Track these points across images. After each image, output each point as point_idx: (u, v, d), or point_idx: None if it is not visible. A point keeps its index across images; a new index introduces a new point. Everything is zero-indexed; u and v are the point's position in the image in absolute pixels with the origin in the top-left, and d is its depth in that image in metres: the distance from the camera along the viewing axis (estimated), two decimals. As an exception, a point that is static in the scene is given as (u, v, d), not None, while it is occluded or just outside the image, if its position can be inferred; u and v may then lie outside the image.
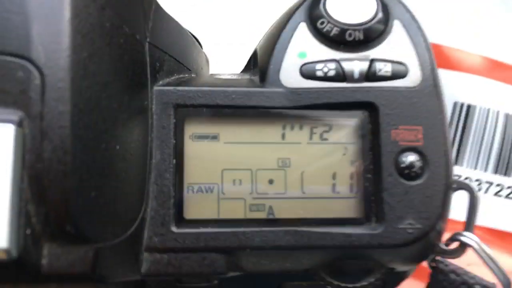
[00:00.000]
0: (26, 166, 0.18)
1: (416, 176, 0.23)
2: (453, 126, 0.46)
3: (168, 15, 0.26)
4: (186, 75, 0.26)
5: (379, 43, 0.24)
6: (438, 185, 0.23)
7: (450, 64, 0.46)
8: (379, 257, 0.23)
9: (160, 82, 0.24)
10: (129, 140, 0.21)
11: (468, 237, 0.24)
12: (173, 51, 0.25)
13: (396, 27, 0.24)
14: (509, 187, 0.45)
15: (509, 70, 0.46)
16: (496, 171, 0.45)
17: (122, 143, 0.21)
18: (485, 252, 0.24)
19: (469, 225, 0.25)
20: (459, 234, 0.24)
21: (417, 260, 0.25)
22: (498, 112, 0.45)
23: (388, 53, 0.24)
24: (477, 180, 0.45)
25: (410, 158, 0.23)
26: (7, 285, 0.20)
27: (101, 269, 0.20)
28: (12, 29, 0.18)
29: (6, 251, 0.17)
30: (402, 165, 0.23)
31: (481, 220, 0.45)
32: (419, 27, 0.25)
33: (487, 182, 0.45)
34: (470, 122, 0.45)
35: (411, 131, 0.23)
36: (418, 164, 0.23)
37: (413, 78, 0.24)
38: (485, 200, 0.45)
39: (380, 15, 0.24)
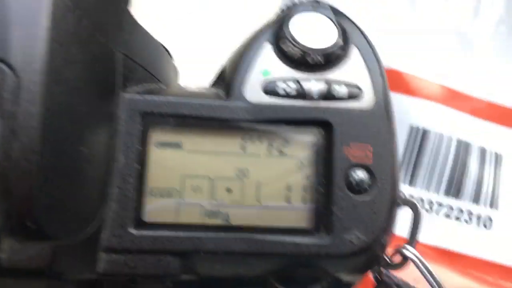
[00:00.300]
0: None
1: (364, 191, 0.24)
2: (409, 149, 0.48)
3: (141, 28, 0.27)
4: (155, 85, 0.27)
5: (337, 66, 0.26)
6: (384, 201, 0.25)
7: (409, 90, 0.49)
8: (326, 266, 0.25)
9: (130, 91, 0.25)
10: (96, 144, 0.22)
11: (410, 251, 0.26)
12: (144, 61, 0.26)
13: (354, 52, 0.26)
14: (458, 209, 0.47)
15: (463, 99, 0.49)
16: (447, 193, 0.47)
17: (89, 146, 0.22)
18: (424, 266, 0.26)
19: (412, 239, 0.26)
20: (402, 247, 0.26)
21: (362, 270, 0.26)
22: (451, 137, 0.48)
23: (345, 76, 0.25)
24: (429, 201, 0.47)
25: (360, 174, 0.25)
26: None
27: (57, 266, 0.21)
28: None
29: (-32, 242, 0.18)
30: (351, 180, 0.24)
31: (431, 240, 0.47)
32: (375, 54, 0.27)
33: (437, 203, 0.47)
34: (424, 145, 0.47)
35: (361, 149, 0.25)
36: (366, 180, 0.24)
37: (367, 100, 0.25)
38: (436, 221, 0.47)
39: (339, 41, 0.26)
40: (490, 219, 0.47)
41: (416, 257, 0.26)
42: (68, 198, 0.20)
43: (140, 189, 0.24)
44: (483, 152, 0.48)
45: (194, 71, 0.36)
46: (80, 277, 0.22)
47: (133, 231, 0.23)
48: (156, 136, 0.24)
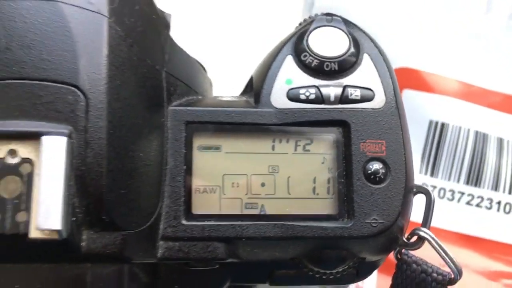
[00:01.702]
0: (73, 168, 0.23)
1: (380, 181, 0.28)
2: (429, 142, 0.51)
3: (180, 47, 0.31)
4: (195, 97, 0.31)
5: (351, 72, 0.29)
6: (398, 188, 0.28)
7: (427, 87, 0.52)
8: (350, 247, 0.28)
9: (174, 103, 0.29)
10: (150, 149, 0.26)
11: (424, 232, 0.29)
12: (184, 77, 0.31)
13: (365, 59, 0.30)
14: (479, 197, 0.50)
15: (479, 92, 0.52)
16: (467, 182, 0.50)
17: (144, 151, 0.26)
18: (439, 245, 0.29)
19: (426, 222, 0.29)
20: (417, 229, 0.29)
21: (383, 251, 0.30)
22: (468, 130, 0.50)
23: (358, 81, 0.29)
24: (450, 190, 0.50)
25: (375, 166, 0.28)
26: (51, 265, 0.25)
27: (126, 251, 0.25)
28: (64, 63, 0.23)
29: (59, 232, 0.22)
30: (369, 172, 0.28)
31: (455, 226, 0.50)
32: (384, 59, 0.30)
33: (459, 192, 0.50)
34: (443, 138, 0.50)
35: (376, 144, 0.28)
36: (382, 171, 0.28)
37: (378, 101, 0.29)
38: (459, 209, 0.50)
39: (352, 50, 0.29)
40: (510, 205, 0.50)
41: (430, 236, 0.29)
42: (131, 195, 0.25)
43: (188, 186, 0.28)
44: (500, 142, 0.51)
45: (225, 82, 0.40)
46: (144, 261, 0.27)
47: (184, 222, 0.27)
48: (199, 141, 0.28)
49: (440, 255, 0.29)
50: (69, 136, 0.23)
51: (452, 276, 0.29)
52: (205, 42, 0.45)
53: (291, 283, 0.32)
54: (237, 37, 0.51)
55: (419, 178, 0.51)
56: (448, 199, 0.50)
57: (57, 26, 0.24)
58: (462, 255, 0.49)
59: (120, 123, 0.24)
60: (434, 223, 0.50)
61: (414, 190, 0.30)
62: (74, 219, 0.23)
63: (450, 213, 0.50)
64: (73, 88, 0.23)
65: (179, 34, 0.34)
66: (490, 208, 0.50)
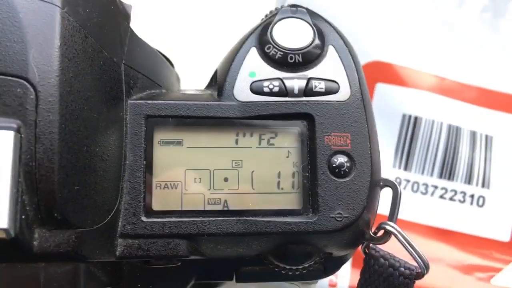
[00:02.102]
0: (22, 163, 0.22)
1: (345, 174, 0.28)
2: (403, 136, 0.51)
3: (142, 40, 0.31)
4: (157, 91, 0.31)
5: (316, 64, 0.29)
6: (363, 182, 0.28)
7: (400, 80, 0.51)
8: (316, 242, 0.28)
9: (134, 97, 0.28)
10: (107, 144, 0.26)
11: (391, 226, 0.29)
12: (145, 70, 0.30)
13: (330, 51, 0.29)
14: (452, 190, 0.50)
15: (452, 86, 0.52)
16: (441, 176, 0.50)
17: (101, 146, 0.25)
18: (405, 239, 0.29)
19: (392, 215, 0.29)
20: (384, 223, 0.29)
21: (350, 245, 0.29)
22: (441, 123, 0.50)
23: (323, 73, 0.29)
24: (424, 184, 0.50)
25: (340, 159, 0.28)
26: (3, 265, 0.24)
27: (81, 250, 0.24)
28: (12, 55, 0.22)
29: (6, 230, 0.21)
30: (333, 165, 0.28)
31: (429, 220, 0.50)
32: (350, 51, 0.30)
33: (432, 186, 0.50)
34: (417, 132, 0.50)
35: (341, 137, 0.28)
36: (347, 164, 0.28)
37: (343, 93, 0.28)
38: (432, 202, 0.50)
39: (316, 41, 0.29)
40: (483, 198, 0.50)
41: (396, 230, 0.29)
42: (87, 191, 0.24)
43: (148, 182, 0.27)
44: (473, 135, 0.51)
45: (194, 76, 0.39)
46: (102, 260, 0.26)
47: (144, 218, 0.26)
48: (159, 135, 0.28)
49: (406, 249, 0.29)
50: (17, 131, 0.22)
51: (419, 270, 0.29)
52: (173, 36, 0.44)
53: (258, 280, 0.31)
54: (208, 30, 0.50)
55: (393, 172, 0.50)
56: (422, 192, 0.50)
57: (6, 17, 0.23)
58: (436, 249, 0.49)
59: (73, 117, 0.23)
60: (408, 216, 0.50)
61: (381, 183, 0.29)
62: (24, 217, 0.22)
63: (424, 206, 0.50)
64: (22, 80, 0.22)
65: (146, 27, 0.33)
66: (463, 201, 0.50)
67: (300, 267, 0.29)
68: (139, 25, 0.31)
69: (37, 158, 0.22)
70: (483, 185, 0.50)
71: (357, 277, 0.46)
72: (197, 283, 0.31)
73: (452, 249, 0.49)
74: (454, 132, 0.50)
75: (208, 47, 0.48)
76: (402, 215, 0.50)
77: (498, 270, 0.48)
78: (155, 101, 0.28)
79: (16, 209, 0.22)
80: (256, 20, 0.32)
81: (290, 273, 0.29)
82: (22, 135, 0.22)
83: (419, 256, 0.29)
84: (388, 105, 0.50)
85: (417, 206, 0.50)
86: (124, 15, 0.29)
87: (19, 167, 0.22)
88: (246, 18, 0.37)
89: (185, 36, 0.49)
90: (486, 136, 0.51)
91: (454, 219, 0.50)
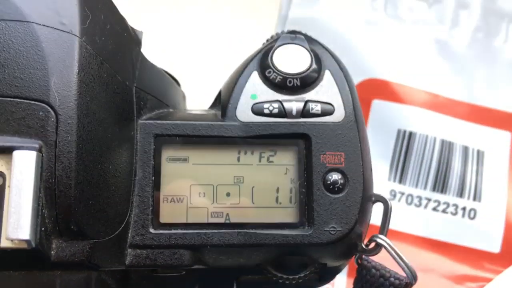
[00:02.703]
0: (43, 180, 0.24)
1: (339, 191, 0.30)
2: (398, 150, 0.53)
3: (151, 63, 0.33)
4: (165, 110, 0.33)
5: (313, 88, 0.31)
6: (356, 198, 0.30)
7: (395, 97, 0.54)
8: (311, 253, 0.30)
9: (144, 117, 0.30)
10: (119, 161, 0.28)
11: (381, 239, 0.31)
12: (155, 91, 0.32)
13: (327, 75, 0.31)
14: (445, 203, 0.52)
15: (446, 103, 0.54)
16: (434, 189, 0.52)
17: (114, 163, 0.27)
18: (394, 251, 0.31)
19: (383, 229, 0.31)
20: (375, 236, 0.31)
21: (343, 257, 0.31)
22: (435, 138, 0.52)
23: (319, 96, 0.31)
24: (418, 196, 0.52)
25: (334, 176, 0.30)
26: (22, 272, 0.26)
27: (94, 259, 0.26)
28: (35, 81, 0.25)
29: (27, 241, 0.23)
30: (328, 182, 0.30)
31: (422, 231, 0.52)
32: (345, 75, 0.32)
33: (426, 198, 0.52)
34: (411, 146, 0.52)
35: (335, 156, 0.30)
36: (340, 181, 0.30)
37: (338, 115, 0.31)
38: (425, 215, 0.52)
39: (313, 66, 0.31)
40: (474, 211, 0.52)
41: (387, 243, 0.31)
42: (100, 206, 0.26)
43: (156, 196, 0.29)
44: (465, 150, 0.53)
45: (199, 94, 0.41)
46: (112, 268, 0.28)
47: (152, 230, 0.28)
48: (167, 153, 0.30)
49: (395, 260, 0.31)
50: (39, 151, 0.24)
51: (408, 280, 0.31)
52: (180, 57, 0.46)
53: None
54: (212, 51, 0.53)
55: (388, 185, 0.52)
56: (416, 205, 0.52)
57: (30, 46, 0.25)
58: (428, 259, 0.51)
59: (89, 137, 0.26)
60: (402, 228, 0.52)
61: (373, 199, 0.31)
62: (43, 229, 0.24)
63: (418, 218, 0.52)
64: (43, 104, 0.25)
65: (153, 49, 0.35)
66: (455, 214, 0.52)
67: (297, 276, 0.31)
68: (148, 47, 0.34)
69: (56, 176, 0.24)
70: (474, 198, 0.52)
71: (351, 286, 0.48)
72: (199, 291, 0.33)
73: (445, 259, 0.51)
74: (447, 147, 0.53)
75: (212, 67, 0.51)
76: (396, 226, 0.52)
77: (488, 280, 0.50)
78: (164, 121, 0.30)
79: (37, 222, 0.24)
80: (258, 43, 0.34)
81: (287, 282, 0.31)
82: (43, 155, 0.24)
83: (407, 267, 0.31)
84: (384, 121, 0.53)
85: (411, 218, 0.52)
86: (136, 41, 0.31)
87: (40, 183, 0.24)
88: (249, 40, 0.40)
89: (191, 57, 0.52)
90: (478, 151, 0.53)
91: (447, 231, 0.52)
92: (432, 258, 0.51)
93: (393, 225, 0.52)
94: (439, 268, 0.51)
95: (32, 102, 0.24)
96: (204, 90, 0.40)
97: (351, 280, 0.49)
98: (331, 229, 0.29)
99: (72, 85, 0.25)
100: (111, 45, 0.28)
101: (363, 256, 0.32)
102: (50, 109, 0.25)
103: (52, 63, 0.25)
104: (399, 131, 0.53)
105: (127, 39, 0.30)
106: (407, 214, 0.52)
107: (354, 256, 0.32)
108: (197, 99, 0.41)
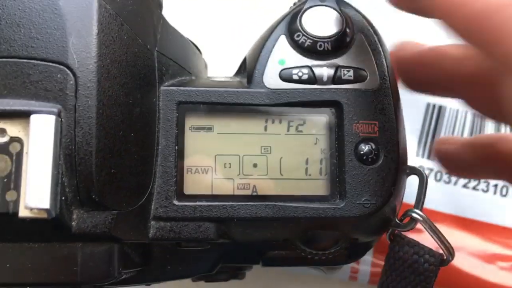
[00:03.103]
0: (62, 147, 0.23)
1: (372, 162, 0.28)
2: (427, 124, 0.51)
3: (173, 28, 0.31)
4: (187, 77, 0.31)
5: (345, 52, 0.29)
6: (390, 169, 0.28)
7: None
8: (343, 228, 0.28)
9: (166, 83, 0.29)
10: (141, 129, 0.26)
11: (417, 213, 0.29)
12: (177, 57, 0.30)
13: (359, 39, 0.29)
14: (475, 180, 0.50)
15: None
16: (464, 165, 0.50)
17: (136, 131, 0.26)
18: (430, 226, 0.29)
19: (418, 203, 0.29)
20: (410, 210, 0.29)
21: (376, 232, 0.30)
22: (466, 113, 0.50)
23: (351, 61, 0.29)
24: (447, 173, 0.50)
25: (368, 147, 0.28)
26: (42, 244, 0.25)
27: (117, 231, 0.25)
28: (53, 41, 0.23)
29: (47, 211, 0.22)
30: (361, 152, 0.28)
31: (452, 209, 0.50)
32: (379, 39, 0.30)
33: (456, 175, 0.50)
34: (441, 121, 0.50)
35: (369, 125, 0.28)
36: (374, 151, 0.28)
37: (372, 81, 0.29)
38: (455, 191, 0.50)
39: (345, 29, 0.29)
40: (506, 188, 0.49)
41: (423, 218, 0.29)
42: (122, 175, 0.25)
43: (180, 166, 0.28)
44: (498, 124, 0.50)
45: (221, 63, 0.40)
46: (135, 241, 0.27)
47: (176, 202, 0.27)
48: (190, 121, 0.28)
49: (432, 236, 0.29)
50: (58, 115, 0.23)
51: (444, 257, 0.29)
52: (201, 23, 0.44)
53: (284, 264, 0.32)
54: (234, 17, 0.51)
55: (416, 161, 0.50)
56: (445, 181, 0.50)
57: (46, 4, 0.24)
58: (458, 237, 0.49)
59: (110, 102, 0.24)
60: (431, 205, 0.50)
61: (407, 171, 0.30)
62: (64, 198, 0.23)
63: (447, 195, 0.50)
64: (62, 66, 0.23)
65: (174, 15, 0.33)
66: (486, 191, 0.50)
67: (326, 252, 0.29)
68: (169, 13, 0.32)
69: (76, 142, 0.23)
70: (507, 175, 0.50)
71: (377, 263, 0.46)
72: (224, 266, 0.32)
73: (475, 238, 0.49)
74: (478, 122, 0.50)
75: (235, 35, 0.49)
76: (426, 204, 0.50)
77: (520, 259, 0.48)
78: (187, 88, 0.28)
79: (56, 190, 0.22)
80: (283, 7, 0.32)
81: (316, 258, 0.30)
82: (63, 119, 0.23)
83: (444, 243, 0.29)
84: (413, 94, 0.50)
85: (440, 195, 0.50)
86: (157, 3, 0.29)
87: (59, 150, 0.23)
88: (274, 5, 0.37)
89: (213, 24, 0.50)
90: None
91: (477, 208, 0.50)
92: (462, 236, 0.49)
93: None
94: (469, 246, 0.49)
95: (50, 64, 0.23)
96: (227, 60, 0.38)
97: (377, 258, 0.47)
98: (364, 202, 0.28)
99: (92, 46, 0.24)
100: (132, 5, 0.26)
101: (396, 232, 0.31)
102: (69, 72, 0.23)
103: (70, 22, 0.24)
104: (428, 105, 0.51)
105: (148, 0, 0.28)
106: (436, 191, 0.50)
107: (385, 233, 0.31)
108: (219, 69, 0.39)
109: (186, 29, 0.36)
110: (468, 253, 0.49)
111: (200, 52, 0.37)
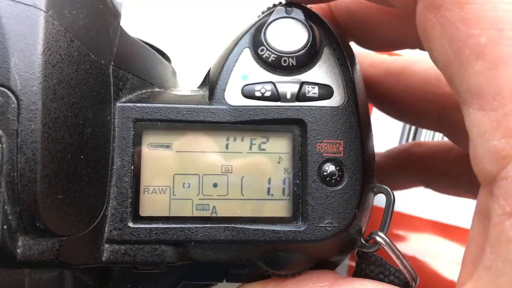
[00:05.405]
0: (3, 174, 0.22)
1: (336, 183, 0.27)
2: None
3: (133, 38, 0.30)
4: (149, 91, 0.30)
5: (310, 68, 0.28)
6: (355, 191, 0.27)
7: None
8: (304, 250, 0.27)
9: (123, 99, 0.27)
10: (93, 150, 0.25)
11: (381, 237, 0.28)
12: (136, 69, 0.29)
13: (326, 53, 0.28)
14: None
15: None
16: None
17: (86, 153, 0.25)
18: (394, 252, 0.28)
19: (384, 225, 0.28)
20: (374, 233, 0.28)
21: (339, 253, 0.29)
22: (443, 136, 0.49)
23: (317, 77, 0.28)
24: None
25: (331, 167, 0.27)
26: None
27: (65, 257, 0.24)
28: None
29: (-13, 242, 0.21)
30: (325, 173, 0.27)
31: (430, 215, 0.50)
32: (347, 53, 0.28)
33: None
34: (418, 139, 0.50)
35: (333, 144, 0.27)
36: (338, 172, 0.27)
37: (337, 99, 0.28)
38: (434, 197, 0.49)
39: (311, 43, 0.28)
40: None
41: (386, 242, 0.28)
42: (71, 200, 0.24)
43: (135, 187, 0.27)
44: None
45: (192, 69, 0.38)
46: (87, 266, 0.26)
47: (131, 224, 0.26)
48: (148, 139, 0.27)
49: (395, 261, 0.28)
50: (-2, 141, 0.21)
51: (408, 281, 0.28)
52: (170, 29, 0.42)
53: (249, 281, 0.31)
54: (205, 21, 0.49)
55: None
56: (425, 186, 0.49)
57: (-13, 21, 0.22)
58: (438, 244, 0.49)
59: (56, 125, 0.23)
60: (411, 211, 0.49)
61: (375, 190, 0.29)
62: (6, 226, 0.22)
63: (426, 201, 0.49)
64: (3, 88, 0.22)
65: (141, 22, 0.32)
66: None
67: (289, 273, 0.28)
68: (134, 19, 0.31)
69: (18, 168, 0.22)
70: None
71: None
72: (187, 284, 0.31)
73: (455, 244, 0.49)
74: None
75: (206, 39, 0.47)
76: (405, 209, 0.49)
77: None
78: (144, 104, 0.27)
79: None
80: (255, 12, 0.31)
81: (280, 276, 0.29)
82: (3, 145, 0.22)
83: (407, 268, 0.28)
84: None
85: (419, 201, 0.49)
86: (114, 13, 0.28)
87: (0, 177, 0.22)
88: (246, 11, 0.36)
89: (182, 29, 0.48)
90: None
91: (457, 214, 0.49)
92: (442, 242, 0.49)
93: (401, 208, 0.49)
94: (449, 253, 0.49)
95: (-11, 86, 0.22)
96: (198, 65, 0.37)
97: (353, 264, 0.47)
98: (327, 225, 0.27)
99: (36, 66, 0.22)
100: (84, 19, 0.25)
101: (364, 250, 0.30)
102: (11, 94, 0.22)
103: (12, 41, 0.22)
104: (404, 125, 0.50)
105: (104, 12, 0.27)
106: (415, 197, 0.49)
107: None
108: (190, 75, 0.38)
109: (154, 35, 0.35)
110: (448, 260, 0.48)
111: (169, 60, 0.36)
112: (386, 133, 0.49)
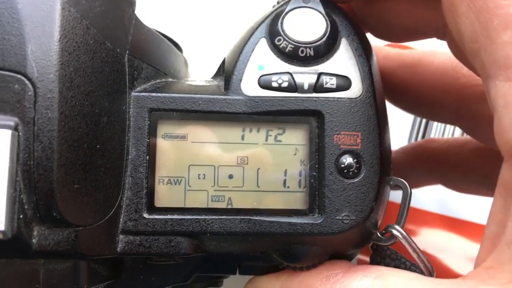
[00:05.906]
0: (20, 162, 0.21)
1: (353, 175, 0.27)
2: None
3: (147, 27, 0.29)
4: (163, 80, 0.29)
5: (328, 58, 0.27)
6: (372, 183, 0.27)
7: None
8: (321, 243, 0.27)
9: (138, 88, 0.27)
10: (108, 139, 0.25)
11: (397, 230, 0.28)
12: (151, 59, 0.29)
13: (343, 44, 0.28)
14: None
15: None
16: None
17: (102, 142, 0.24)
18: (411, 245, 0.28)
19: (400, 218, 0.28)
20: (391, 226, 0.28)
21: (356, 246, 0.28)
22: (454, 128, 0.49)
23: (335, 68, 0.27)
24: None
25: (349, 159, 0.27)
26: (2, 260, 0.24)
27: (81, 248, 0.24)
28: (10, 49, 0.22)
29: (3, 232, 0.21)
30: (342, 166, 0.27)
31: (440, 209, 0.49)
32: (365, 45, 0.28)
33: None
34: (428, 133, 0.49)
35: (351, 136, 0.27)
36: (356, 165, 0.27)
37: (355, 90, 0.27)
38: (445, 191, 0.49)
39: (329, 34, 0.27)
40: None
41: (403, 236, 0.28)
42: (87, 189, 0.23)
43: (151, 177, 0.26)
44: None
45: (203, 60, 0.38)
46: (102, 257, 0.25)
47: (146, 215, 0.26)
48: (163, 129, 0.27)
49: (411, 255, 0.28)
50: (15, 129, 0.21)
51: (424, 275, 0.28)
52: (182, 19, 0.42)
53: (262, 273, 0.31)
54: (219, 12, 0.49)
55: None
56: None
57: (3, 8, 0.22)
58: (448, 238, 0.49)
59: (73, 113, 0.23)
60: (421, 205, 0.49)
61: (391, 183, 0.28)
62: (22, 216, 0.22)
63: (437, 196, 0.49)
64: (19, 76, 0.22)
65: (154, 10, 0.31)
66: (476, 191, 0.49)
67: (304, 265, 0.28)
68: (146, 9, 0.30)
69: (35, 157, 0.22)
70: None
71: (363, 259, 0.45)
72: (200, 276, 0.31)
73: (465, 239, 0.48)
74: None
75: (219, 30, 0.47)
76: (414, 203, 0.49)
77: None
78: (160, 94, 0.27)
79: (13, 209, 0.21)
80: (265, 2, 0.30)
81: (295, 269, 0.29)
82: (20, 133, 0.21)
83: (425, 263, 0.28)
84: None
85: (429, 195, 0.49)
86: (128, 1, 0.27)
87: (16, 166, 0.21)
88: (255, 1, 0.36)
89: (195, 19, 0.48)
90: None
91: (467, 209, 0.49)
92: (451, 237, 0.48)
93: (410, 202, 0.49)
94: (458, 248, 0.48)
95: (6, 73, 0.21)
96: (210, 56, 0.36)
97: (362, 256, 0.46)
98: (344, 217, 0.26)
99: (53, 53, 0.22)
100: (100, 6, 0.25)
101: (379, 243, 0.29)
102: (27, 82, 0.22)
103: (29, 28, 0.22)
104: (415, 117, 0.49)
105: (118, 0, 0.27)
106: (426, 191, 0.49)
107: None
108: (201, 66, 0.37)
109: (167, 26, 0.34)
110: (457, 254, 0.48)
111: (181, 50, 0.35)
112: (396, 128, 0.48)
